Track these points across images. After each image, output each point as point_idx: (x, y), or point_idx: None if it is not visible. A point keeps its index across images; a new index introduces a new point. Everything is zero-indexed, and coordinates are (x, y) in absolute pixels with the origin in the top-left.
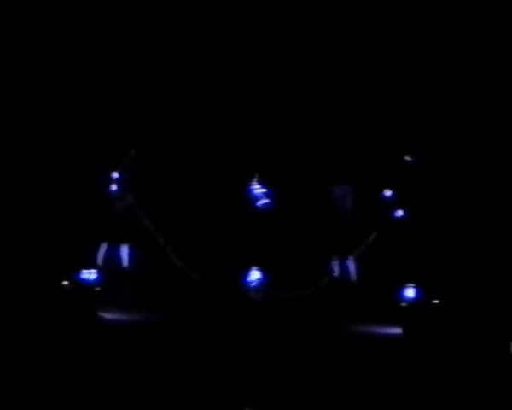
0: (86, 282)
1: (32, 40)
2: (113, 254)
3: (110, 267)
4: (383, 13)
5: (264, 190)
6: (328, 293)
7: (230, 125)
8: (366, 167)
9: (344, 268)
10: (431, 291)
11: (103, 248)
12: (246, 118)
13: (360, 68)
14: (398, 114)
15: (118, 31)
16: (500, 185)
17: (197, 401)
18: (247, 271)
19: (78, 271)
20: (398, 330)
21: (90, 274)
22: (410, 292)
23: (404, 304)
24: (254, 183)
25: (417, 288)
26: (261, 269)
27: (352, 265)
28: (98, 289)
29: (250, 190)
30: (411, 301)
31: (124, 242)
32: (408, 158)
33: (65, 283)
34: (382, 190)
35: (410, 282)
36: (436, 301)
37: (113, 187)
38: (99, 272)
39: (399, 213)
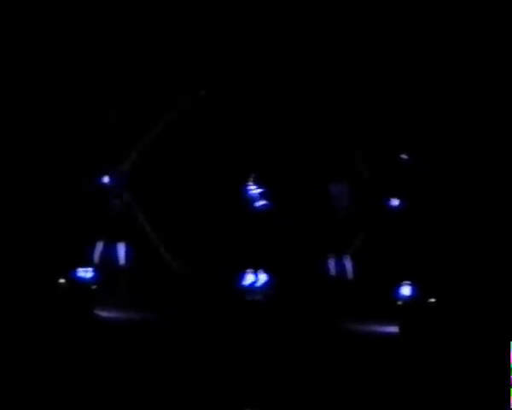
0: (82, 280)
1: (31, 40)
2: (109, 253)
3: (106, 265)
4: (380, 13)
5: (260, 191)
6: (324, 291)
7: (227, 126)
8: (363, 166)
9: (340, 266)
10: (427, 289)
11: (99, 246)
12: (242, 118)
13: (356, 66)
14: (394, 113)
15: (117, 30)
16: (497, 184)
17: (196, 401)
18: (243, 272)
19: (74, 269)
20: (394, 329)
21: (86, 272)
22: (406, 290)
23: (400, 302)
24: (251, 183)
25: (414, 286)
26: (258, 270)
27: (348, 263)
28: (94, 287)
29: (247, 191)
30: (408, 300)
31: (120, 240)
32: (404, 156)
33: (61, 281)
34: (379, 189)
35: (407, 280)
36: (433, 300)
37: (110, 185)
38: (95, 271)
39: (396, 210)
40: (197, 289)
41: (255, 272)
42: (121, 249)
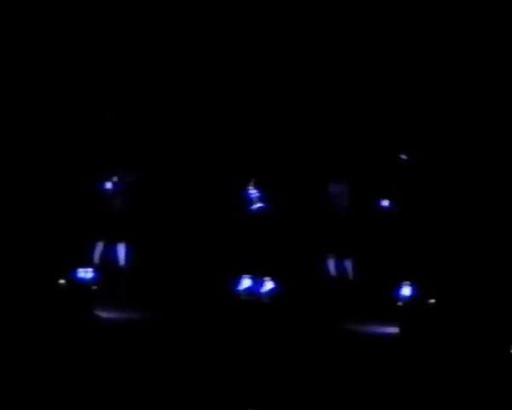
0: (83, 281)
1: (31, 40)
2: (109, 253)
3: (106, 266)
4: (379, 13)
5: (259, 194)
6: (324, 292)
7: (226, 128)
8: (363, 166)
9: (340, 267)
10: (428, 290)
11: (100, 247)
12: (241, 120)
13: (355, 67)
14: (393, 113)
15: (117, 30)
16: (496, 184)
17: (196, 401)
18: (241, 275)
19: (74, 269)
20: (394, 330)
21: (86, 273)
22: (406, 291)
23: (400, 303)
24: (250, 186)
25: (414, 287)
26: (257, 273)
27: (348, 264)
28: (95, 287)
29: (245, 194)
30: (408, 300)
31: (120, 241)
32: (404, 157)
33: (61, 281)
34: (378, 189)
35: (407, 281)
36: (433, 301)
37: (110, 186)
38: (95, 271)
39: (396, 212)
40: (197, 290)
41: (253, 277)
42: (121, 250)
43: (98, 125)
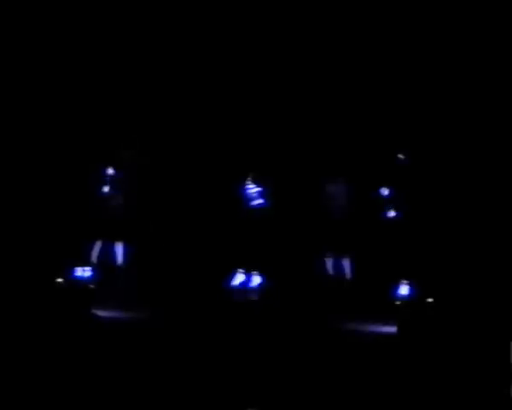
0: (81, 279)
1: (30, 39)
2: (107, 252)
3: (105, 265)
4: (379, 13)
5: (258, 190)
6: (322, 291)
7: (224, 125)
8: (360, 166)
9: (338, 266)
10: (425, 289)
11: (98, 245)
12: (240, 117)
13: (353, 66)
14: (391, 112)
15: (117, 30)
16: (495, 183)
17: (195, 401)
18: (236, 272)
19: (72, 268)
20: (392, 329)
21: (84, 272)
22: (404, 290)
23: (398, 302)
24: (248, 182)
25: (412, 286)
26: (254, 270)
27: (346, 263)
28: (93, 286)
29: (244, 190)
30: (406, 299)
31: (118, 239)
32: (401, 156)
33: (59, 280)
34: (376, 188)
35: (405, 280)
36: (430, 300)
37: (108, 185)
38: (93, 270)
39: (393, 211)
40: (194, 288)
41: (248, 272)
42: (119, 249)
43: (97, 124)
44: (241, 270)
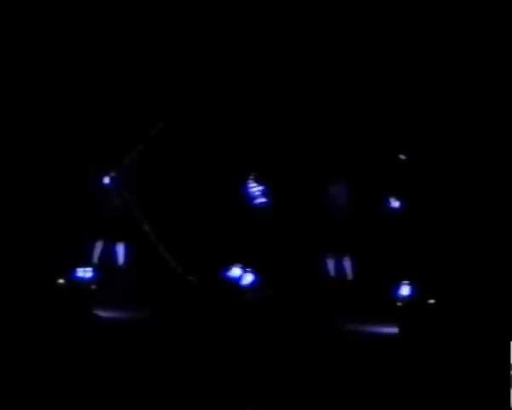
0: (82, 280)
1: (30, 39)
2: (108, 252)
3: (106, 265)
4: (379, 13)
5: (260, 189)
6: (323, 292)
7: (226, 123)
8: (362, 166)
9: (339, 267)
10: (427, 290)
11: (99, 246)
12: (242, 116)
13: (355, 66)
14: (393, 113)
15: (117, 30)
16: (496, 184)
17: (195, 401)
18: (240, 270)
19: (73, 269)
20: (393, 330)
21: (85, 272)
22: (405, 291)
23: (399, 303)
24: (251, 181)
25: (413, 286)
26: (255, 269)
27: (347, 263)
28: (94, 287)
29: (247, 189)
30: (407, 300)
31: (119, 240)
32: (403, 156)
33: (60, 281)
34: (377, 189)
35: (406, 280)
36: (432, 301)
37: (109, 185)
38: (95, 270)
39: (395, 211)
40: (196, 289)
41: (247, 270)
42: (120, 249)
43: (97, 123)
44: (241, 268)
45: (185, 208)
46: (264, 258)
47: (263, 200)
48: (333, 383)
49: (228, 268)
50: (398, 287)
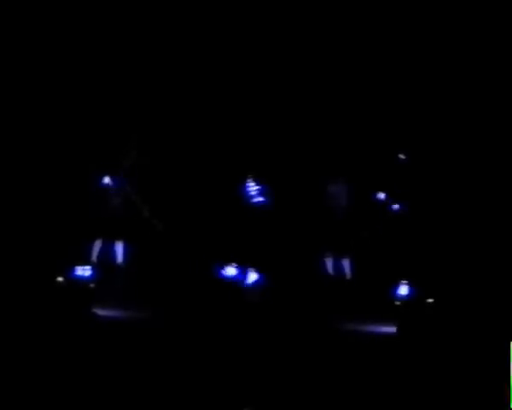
0: (81, 278)
1: (31, 39)
2: (107, 251)
3: (105, 264)
4: (379, 13)
5: (259, 188)
6: (321, 291)
7: (226, 123)
8: (361, 166)
9: (338, 266)
10: (425, 290)
11: (98, 244)
12: (241, 116)
13: (354, 66)
14: (392, 112)
15: (117, 30)
16: (495, 184)
17: (194, 401)
18: (241, 269)
19: (72, 267)
20: (392, 329)
21: (84, 271)
22: (404, 290)
23: (398, 302)
24: (249, 181)
25: (412, 286)
26: (256, 269)
27: (346, 263)
28: (93, 285)
29: (245, 188)
30: (406, 300)
31: (118, 238)
32: (402, 156)
33: (59, 279)
34: (376, 189)
35: (405, 280)
36: (430, 300)
37: (108, 183)
38: (93, 269)
39: (393, 211)
40: (195, 288)
41: (248, 270)
42: (119, 248)
43: (96, 123)
44: (237, 267)
45: (184, 208)
46: (262, 257)
47: (261, 199)
48: (332, 382)
49: (225, 267)
50: (396, 286)
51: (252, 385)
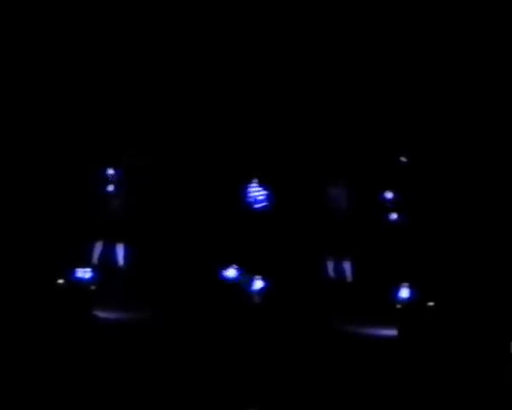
0: (81, 280)
1: (31, 39)
2: (108, 253)
3: (105, 266)
4: (379, 13)
5: (262, 192)
6: (323, 294)
7: (228, 127)
8: (362, 168)
9: (339, 269)
10: (426, 293)
11: (98, 246)
12: (243, 120)
13: (356, 68)
14: (393, 115)
15: (117, 30)
16: (495, 187)
17: (194, 401)
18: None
19: (73, 269)
20: (393, 332)
21: (85, 273)
22: (405, 293)
23: (399, 305)
24: (252, 185)
25: (412, 289)
26: (259, 273)
27: (347, 265)
28: (93, 287)
29: (247, 192)
30: (406, 302)
31: (119, 240)
32: (403, 159)
33: (60, 281)
34: (377, 191)
35: (406, 283)
36: (431, 303)
37: (109, 185)
38: (94, 271)
39: (395, 213)
40: (195, 290)
41: (249, 274)
42: (120, 250)
43: (97, 124)
44: (241, 270)
45: (186, 212)
46: (264, 260)
47: (263, 203)
48: (332, 384)
49: (226, 269)
50: (397, 289)
51: (253, 386)
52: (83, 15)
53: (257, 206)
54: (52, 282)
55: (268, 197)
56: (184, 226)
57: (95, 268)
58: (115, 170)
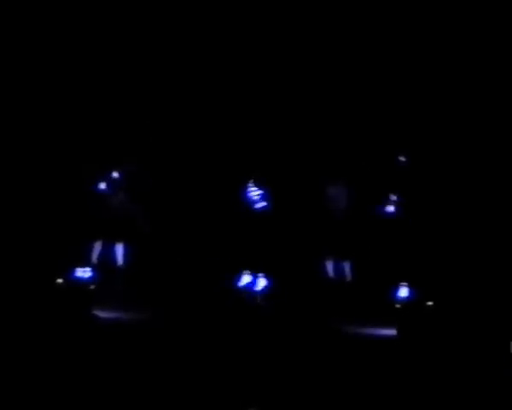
0: (81, 280)
1: (31, 40)
2: (107, 253)
3: (105, 266)
4: (379, 13)
5: (260, 193)
6: (322, 293)
7: (227, 128)
8: (361, 168)
9: (338, 269)
10: (425, 292)
11: (98, 246)
12: (242, 121)
13: (355, 69)
14: (392, 115)
15: (117, 30)
16: (494, 187)
17: (194, 401)
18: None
19: (72, 269)
20: (392, 331)
21: (84, 272)
22: (404, 292)
23: (398, 305)
24: (251, 185)
25: (412, 289)
26: (257, 272)
27: (346, 265)
28: (92, 287)
29: (247, 193)
30: (406, 302)
31: (118, 240)
32: (402, 159)
33: (59, 281)
34: (377, 191)
35: (405, 283)
36: (430, 303)
37: (109, 185)
38: (93, 271)
39: (394, 213)
40: (194, 289)
41: (253, 274)
42: (119, 250)
43: (96, 124)
44: (241, 271)
45: (184, 214)
46: (264, 261)
47: (263, 204)
48: (332, 384)
49: (226, 270)
50: (396, 289)
51: (253, 386)
52: (84, 19)
53: (256, 206)
54: (51, 281)
55: (267, 197)
56: (184, 226)
57: (94, 268)
58: (115, 170)
